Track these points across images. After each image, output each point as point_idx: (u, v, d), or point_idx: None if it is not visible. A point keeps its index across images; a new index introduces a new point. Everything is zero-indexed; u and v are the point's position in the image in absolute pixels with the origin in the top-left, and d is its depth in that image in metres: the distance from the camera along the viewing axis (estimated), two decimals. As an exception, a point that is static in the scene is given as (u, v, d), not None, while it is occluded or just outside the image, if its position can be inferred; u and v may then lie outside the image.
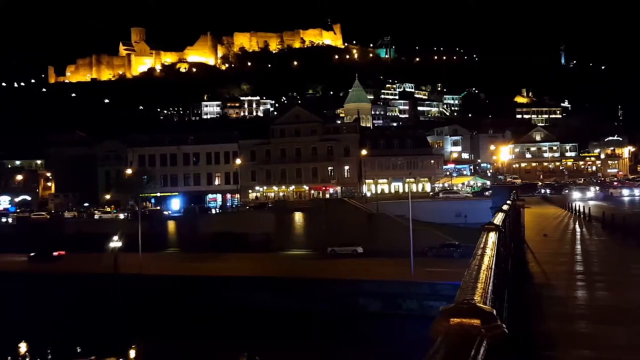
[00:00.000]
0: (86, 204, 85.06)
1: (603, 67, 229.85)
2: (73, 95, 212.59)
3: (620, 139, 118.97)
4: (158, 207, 78.16)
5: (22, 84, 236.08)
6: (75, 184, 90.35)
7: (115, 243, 47.99)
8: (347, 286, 39.07)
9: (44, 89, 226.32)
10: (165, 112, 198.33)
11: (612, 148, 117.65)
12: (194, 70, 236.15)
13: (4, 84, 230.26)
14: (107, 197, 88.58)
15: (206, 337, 35.42)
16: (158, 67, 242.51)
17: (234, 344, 33.85)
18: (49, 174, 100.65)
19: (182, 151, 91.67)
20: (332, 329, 34.58)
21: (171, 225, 66.87)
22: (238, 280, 42.56)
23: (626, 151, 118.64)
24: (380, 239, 53.07)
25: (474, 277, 2.27)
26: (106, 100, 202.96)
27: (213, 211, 73.72)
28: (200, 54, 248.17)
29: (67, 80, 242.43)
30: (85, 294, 42.43)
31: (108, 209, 79.65)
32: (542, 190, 73.82)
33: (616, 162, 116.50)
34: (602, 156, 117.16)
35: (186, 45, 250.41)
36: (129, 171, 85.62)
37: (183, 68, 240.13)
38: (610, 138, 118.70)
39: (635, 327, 7.24)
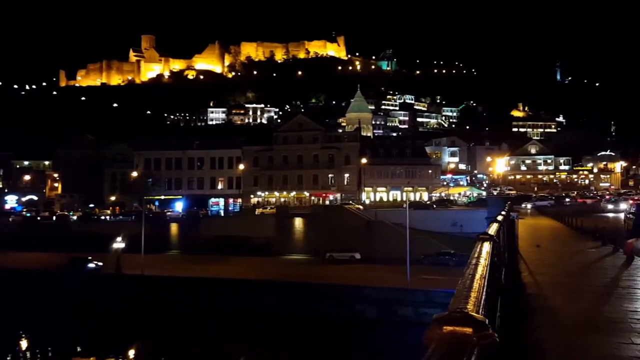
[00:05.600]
0: (91, 205, 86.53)
1: (597, 84, 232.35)
2: (83, 98, 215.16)
3: (613, 154, 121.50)
4: (166, 210, 79.55)
5: (34, 86, 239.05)
6: (81, 185, 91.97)
7: (119, 244, 48.69)
8: (345, 292, 39.14)
9: (54, 92, 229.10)
10: (172, 117, 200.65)
11: (604, 162, 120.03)
12: (201, 77, 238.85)
13: (15, 86, 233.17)
14: (112, 198, 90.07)
15: (205, 338, 35.83)
16: (166, 74, 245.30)
17: (232, 346, 34.43)
18: (56, 175, 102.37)
19: (187, 155, 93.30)
20: (330, 334, 34.87)
21: (174, 227, 68.08)
22: (239, 283, 42.82)
23: (618, 166, 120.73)
24: (377, 246, 53.87)
25: (467, 286, 2.31)
26: (115, 105, 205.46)
27: (210, 214, 75.21)
28: (208, 62, 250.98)
29: (77, 84, 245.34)
30: (87, 293, 42.87)
31: (107, 211, 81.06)
32: (537, 203, 75.15)
33: (608, 176, 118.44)
34: (595, 170, 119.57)
35: (194, 53, 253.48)
36: (134, 174, 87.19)
37: (191, 75, 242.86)
38: (603, 153, 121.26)
39: (625, 338, 7.28)
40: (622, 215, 45.18)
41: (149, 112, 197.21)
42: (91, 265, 50.20)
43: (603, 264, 14.65)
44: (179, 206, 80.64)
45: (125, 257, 47.16)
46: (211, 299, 41.37)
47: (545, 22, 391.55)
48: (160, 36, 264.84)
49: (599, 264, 15.86)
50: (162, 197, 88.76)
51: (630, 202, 58.49)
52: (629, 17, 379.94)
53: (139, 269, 45.31)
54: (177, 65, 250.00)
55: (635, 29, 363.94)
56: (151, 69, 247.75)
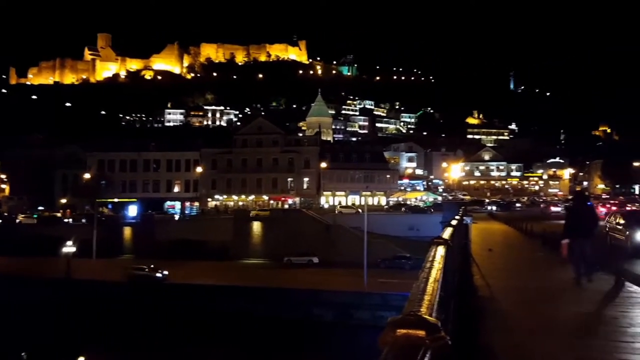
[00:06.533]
0: (41, 208, 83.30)
1: (548, 94, 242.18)
2: (34, 97, 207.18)
3: (562, 161, 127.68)
4: (116, 213, 77.43)
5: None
6: (31, 187, 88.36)
7: (69, 248, 47.18)
8: (302, 296, 39.11)
9: (4, 90, 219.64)
10: (128, 118, 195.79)
11: (554, 169, 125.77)
12: (159, 78, 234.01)
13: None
14: (64, 201, 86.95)
15: (159, 345, 34.90)
16: (123, 74, 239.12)
17: (188, 352, 33.80)
18: (4, 176, 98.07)
19: (142, 157, 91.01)
20: (287, 337, 34.71)
21: (127, 231, 66.31)
22: (195, 288, 42.04)
23: (566, 173, 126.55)
24: (336, 250, 54.15)
25: (421, 289, 2.33)
26: (68, 104, 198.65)
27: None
28: (166, 62, 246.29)
29: (28, 82, 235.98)
30: (33, 299, 40.71)
31: (58, 214, 78.25)
32: (489, 207, 77.32)
33: (557, 182, 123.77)
34: (545, 177, 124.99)
35: (152, 53, 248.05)
36: (87, 175, 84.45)
37: (148, 75, 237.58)
38: (553, 160, 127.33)
39: (572, 339, 7.63)
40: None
41: (103, 112, 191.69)
42: None
43: (551, 268, 14.95)
44: (133, 209, 78.56)
45: (76, 262, 45.53)
46: (165, 304, 40.31)
47: (500, 34, 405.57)
48: (117, 35, 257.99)
49: (547, 267, 16.15)
50: (116, 199, 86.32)
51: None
52: (579, 32, 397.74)
53: (90, 274, 43.90)
54: (134, 65, 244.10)
55: (584, 43, 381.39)
56: (107, 69, 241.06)
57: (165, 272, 46.65)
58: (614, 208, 63.13)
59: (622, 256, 13.70)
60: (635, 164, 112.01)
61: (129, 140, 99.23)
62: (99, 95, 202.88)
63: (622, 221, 20.98)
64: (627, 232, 19.40)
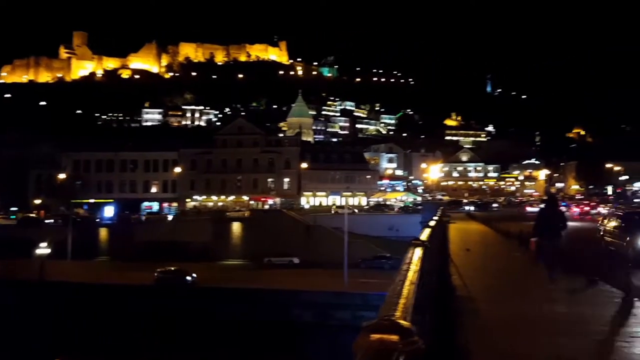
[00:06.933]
0: (14, 208, 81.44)
1: (524, 97, 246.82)
2: (8, 95, 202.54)
3: (537, 163, 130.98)
4: (90, 214, 76.12)
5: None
6: (4, 187, 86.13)
7: (43, 250, 46.23)
8: (282, 296, 38.86)
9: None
10: (105, 117, 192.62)
11: (529, 170, 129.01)
12: (137, 77, 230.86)
13: None
14: (38, 201, 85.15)
15: (138, 347, 34.15)
16: (99, 72, 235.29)
17: (167, 354, 33.29)
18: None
19: (119, 157, 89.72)
20: (267, 338, 34.39)
21: (103, 232, 65.22)
22: (172, 289, 41.36)
23: (542, 174, 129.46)
24: (316, 250, 54.15)
25: (397, 292, 2.33)
26: (43, 103, 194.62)
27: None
28: (144, 62, 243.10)
29: (2, 81, 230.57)
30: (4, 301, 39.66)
31: (33, 215, 76.57)
32: (467, 208, 78.38)
33: (533, 183, 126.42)
34: (521, 177, 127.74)
35: (130, 52, 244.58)
36: (61, 176, 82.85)
37: (125, 74, 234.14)
38: (528, 161, 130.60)
39: (547, 337, 7.74)
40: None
41: (79, 111, 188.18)
42: None
43: (527, 267, 15.16)
44: (109, 210, 77.34)
45: (50, 264, 44.49)
46: (145, 306, 39.68)
47: (477, 37, 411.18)
48: (94, 33, 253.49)
49: (523, 267, 16.38)
50: (92, 200, 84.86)
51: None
52: (554, 36, 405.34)
53: (64, 276, 42.99)
54: (111, 63, 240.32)
55: (560, 48, 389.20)
56: (83, 67, 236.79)
57: (194, 275, 45.27)
58: (586, 208, 64.62)
59: (625, 267, 12.34)
60: (608, 165, 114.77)
61: (105, 140, 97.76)
62: (74, 94, 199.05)
63: (620, 224, 18.34)
64: (628, 238, 16.94)
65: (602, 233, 19.37)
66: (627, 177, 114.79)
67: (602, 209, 66.02)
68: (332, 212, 71.55)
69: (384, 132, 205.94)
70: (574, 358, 6.93)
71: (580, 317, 9.10)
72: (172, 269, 46.25)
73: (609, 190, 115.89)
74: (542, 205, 18.40)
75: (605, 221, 20.09)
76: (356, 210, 73.73)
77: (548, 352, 7.08)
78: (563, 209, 20.50)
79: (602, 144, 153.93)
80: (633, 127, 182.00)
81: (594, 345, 7.41)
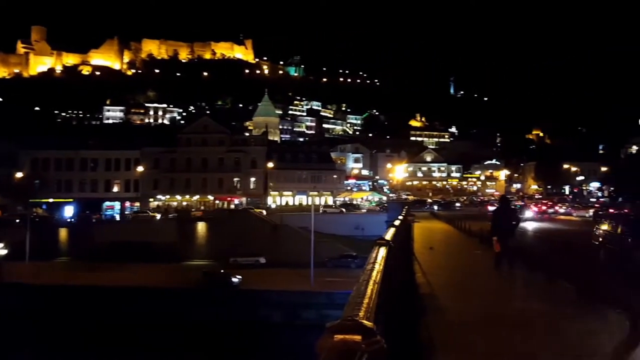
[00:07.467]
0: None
1: (485, 99, 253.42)
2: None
3: (498, 163, 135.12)
4: (49, 214, 73.82)
5: None
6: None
7: (0, 250, 44.89)
8: (249, 296, 38.77)
9: None
10: (64, 114, 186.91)
11: (490, 171, 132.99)
12: (98, 73, 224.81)
13: None
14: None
15: (103, 352, 33.35)
16: (59, 68, 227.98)
17: (132, 358, 32.85)
18: None
19: (80, 156, 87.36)
20: (234, 339, 34.15)
21: (63, 233, 63.40)
22: (139, 292, 40.31)
23: (502, 174, 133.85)
24: (283, 250, 54.00)
25: (361, 292, 2.33)
26: None
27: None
28: (105, 58, 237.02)
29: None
30: None
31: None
32: (431, 207, 79.92)
33: (494, 183, 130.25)
34: (483, 177, 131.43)
35: (90, 48, 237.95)
36: (19, 174, 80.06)
37: (86, 71, 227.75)
38: (489, 162, 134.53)
39: (509, 333, 7.94)
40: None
41: (38, 108, 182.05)
42: None
43: (489, 265, 15.56)
44: (69, 210, 75.22)
45: (7, 265, 43.11)
46: (105, 308, 38.81)
47: (440, 40, 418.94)
48: (53, 28, 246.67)
49: (484, 264, 16.75)
50: (51, 200, 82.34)
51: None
52: (518, 39, 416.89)
53: (21, 278, 41.61)
54: (70, 59, 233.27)
55: (524, 50, 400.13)
56: (42, 63, 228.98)
57: (239, 277, 43.77)
58: (544, 208, 66.80)
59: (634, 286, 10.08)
60: (565, 165, 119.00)
61: (65, 137, 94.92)
62: (33, 90, 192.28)
63: (622, 230, 16.12)
64: (629, 241, 15.26)
65: (600, 241, 17.37)
66: (582, 177, 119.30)
67: (560, 208, 68.47)
68: (321, 211, 71.23)
69: (350, 132, 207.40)
70: (533, 353, 7.04)
71: (542, 313, 9.29)
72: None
73: (567, 189, 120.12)
74: (495, 206, 19.04)
75: (604, 226, 18.04)
76: (343, 210, 75.36)
77: (507, 348, 7.24)
78: (516, 208, 20.92)
79: (559, 145, 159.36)
80: (588, 129, 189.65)
81: (554, 342, 7.61)
